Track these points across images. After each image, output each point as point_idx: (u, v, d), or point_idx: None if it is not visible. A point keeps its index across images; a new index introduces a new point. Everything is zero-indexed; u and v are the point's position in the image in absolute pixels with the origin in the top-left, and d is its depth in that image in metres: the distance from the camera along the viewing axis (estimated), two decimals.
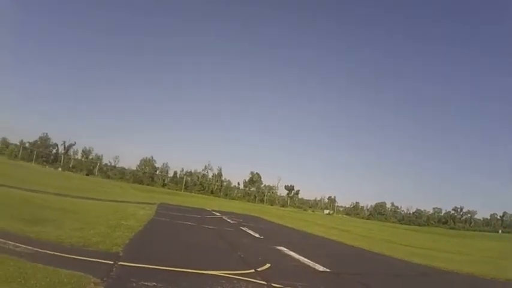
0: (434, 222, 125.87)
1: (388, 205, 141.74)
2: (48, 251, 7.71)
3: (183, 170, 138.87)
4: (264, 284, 7.68)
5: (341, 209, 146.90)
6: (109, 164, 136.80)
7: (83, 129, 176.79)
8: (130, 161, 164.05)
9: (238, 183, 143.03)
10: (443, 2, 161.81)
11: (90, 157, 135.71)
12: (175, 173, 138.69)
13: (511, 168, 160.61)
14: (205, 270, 8.24)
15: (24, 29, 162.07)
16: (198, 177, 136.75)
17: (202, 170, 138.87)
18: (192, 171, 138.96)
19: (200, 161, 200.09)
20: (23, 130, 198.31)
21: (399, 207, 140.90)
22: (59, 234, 9.93)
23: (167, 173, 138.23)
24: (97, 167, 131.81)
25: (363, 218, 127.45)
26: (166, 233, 15.62)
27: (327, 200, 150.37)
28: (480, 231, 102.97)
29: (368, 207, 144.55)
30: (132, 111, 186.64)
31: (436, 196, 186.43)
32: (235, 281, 7.54)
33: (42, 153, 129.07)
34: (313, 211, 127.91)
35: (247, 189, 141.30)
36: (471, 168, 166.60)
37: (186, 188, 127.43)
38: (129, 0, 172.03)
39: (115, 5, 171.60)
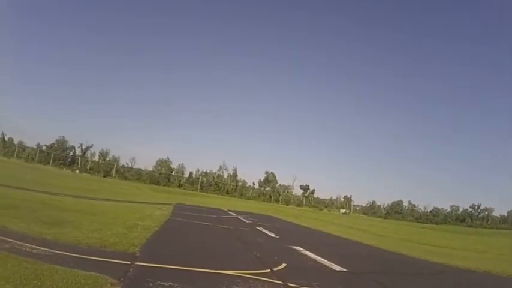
0: (452, 220, 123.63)
1: (405, 204, 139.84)
2: (65, 253, 7.76)
3: (198, 170, 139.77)
4: (280, 284, 7.66)
5: (357, 208, 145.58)
6: (126, 165, 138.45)
7: (100, 131, 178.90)
8: (146, 162, 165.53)
9: (254, 183, 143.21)
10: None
11: (107, 159, 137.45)
12: (191, 173, 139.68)
13: None
14: (222, 270, 8.26)
15: (39, 33, 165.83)
16: (214, 178, 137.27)
17: (218, 170, 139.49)
18: (208, 171, 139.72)
19: (215, 161, 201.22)
20: (39, 133, 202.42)
21: (416, 205, 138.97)
22: (76, 235, 10.05)
23: (183, 173, 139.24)
24: (114, 168, 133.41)
25: (379, 217, 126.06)
26: (182, 233, 15.70)
27: (342, 199, 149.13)
28: (497, 228, 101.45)
29: (385, 206, 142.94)
30: (148, 113, 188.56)
31: (454, 194, 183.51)
32: (251, 281, 7.54)
33: (59, 155, 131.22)
34: (329, 210, 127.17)
35: (262, 189, 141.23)
36: (488, 165, 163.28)
37: (202, 188, 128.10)
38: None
39: (130, 5, 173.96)
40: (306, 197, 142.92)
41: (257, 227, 21.79)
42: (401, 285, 10.23)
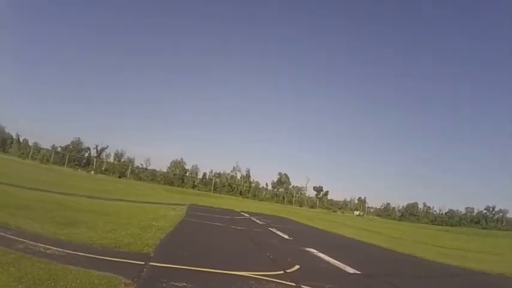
0: (467, 222, 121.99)
1: (421, 205, 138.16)
2: (79, 253, 7.82)
3: (212, 171, 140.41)
4: (293, 286, 7.63)
5: (371, 210, 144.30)
6: (141, 166, 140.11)
7: (115, 132, 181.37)
8: (161, 163, 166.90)
9: (267, 184, 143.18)
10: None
11: (123, 160, 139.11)
12: (204, 174, 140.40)
13: None
14: (235, 270, 8.29)
15: (51, 35, 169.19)
16: (227, 179, 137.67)
17: (231, 171, 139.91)
18: (221, 172, 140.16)
19: (228, 163, 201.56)
20: (54, 135, 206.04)
21: (431, 207, 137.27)
22: (90, 235, 10.15)
23: (197, 174, 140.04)
24: (129, 169, 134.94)
25: (394, 219, 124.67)
26: (196, 234, 15.78)
27: (356, 201, 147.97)
28: None
29: (399, 208, 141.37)
30: (162, 114, 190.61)
31: (469, 196, 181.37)
32: (264, 282, 7.54)
33: (75, 157, 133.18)
34: (342, 212, 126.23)
35: (275, 190, 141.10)
36: (503, 167, 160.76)
37: (215, 189, 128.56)
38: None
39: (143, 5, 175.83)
40: (320, 199, 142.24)
41: (270, 228, 21.77)
42: (415, 287, 10.15)
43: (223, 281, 7.41)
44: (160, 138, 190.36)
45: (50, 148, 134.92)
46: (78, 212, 15.43)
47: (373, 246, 20.61)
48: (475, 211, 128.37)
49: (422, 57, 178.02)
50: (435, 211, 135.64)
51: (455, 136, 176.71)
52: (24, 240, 8.04)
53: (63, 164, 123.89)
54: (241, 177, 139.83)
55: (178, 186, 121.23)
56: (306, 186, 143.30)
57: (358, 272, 10.46)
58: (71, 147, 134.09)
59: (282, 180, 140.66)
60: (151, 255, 8.90)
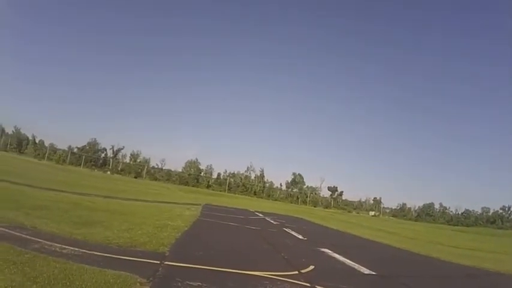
0: (483, 222, 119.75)
1: (437, 206, 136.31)
2: (95, 252, 7.88)
3: (226, 171, 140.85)
4: (307, 286, 7.61)
5: (387, 211, 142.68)
6: (156, 166, 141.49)
7: (131, 133, 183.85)
8: (176, 164, 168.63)
9: (281, 184, 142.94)
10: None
11: (138, 160, 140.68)
12: (218, 174, 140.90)
13: None
14: (249, 270, 8.30)
15: (64, 37, 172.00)
16: (241, 179, 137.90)
17: (245, 171, 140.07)
18: (235, 172, 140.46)
19: (243, 163, 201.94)
20: (71, 136, 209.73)
21: (448, 207, 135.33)
22: (106, 235, 10.27)
23: (211, 174, 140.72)
24: (145, 169, 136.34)
25: (410, 219, 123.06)
26: (210, 234, 15.86)
27: (372, 201, 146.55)
28: None
29: (416, 209, 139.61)
30: (177, 115, 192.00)
31: (485, 195, 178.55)
32: (278, 282, 7.55)
33: (91, 157, 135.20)
34: (357, 213, 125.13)
35: (289, 190, 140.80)
36: None
37: (230, 189, 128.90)
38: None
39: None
40: (334, 199, 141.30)
41: (284, 229, 21.73)
42: None
43: (237, 281, 7.42)
44: (176, 139, 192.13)
45: (66, 149, 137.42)
46: (94, 212, 15.58)
47: (388, 246, 20.42)
48: (491, 211, 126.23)
49: (436, 57, 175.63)
50: (451, 211, 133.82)
51: (472, 136, 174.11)
52: (40, 240, 8.11)
53: (80, 165, 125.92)
54: (255, 177, 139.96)
55: (193, 186, 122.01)
56: (321, 186, 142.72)
57: (373, 273, 10.37)
58: (87, 148, 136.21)
59: (296, 180, 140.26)
60: (167, 254, 8.98)
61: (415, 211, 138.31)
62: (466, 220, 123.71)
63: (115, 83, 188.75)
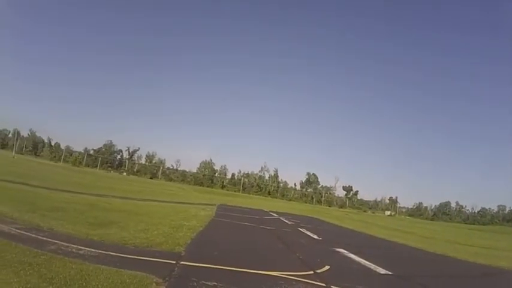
0: (499, 220, 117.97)
1: (453, 204, 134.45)
2: (111, 253, 7.94)
3: (240, 171, 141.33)
4: (323, 286, 7.58)
5: (403, 210, 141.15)
6: (171, 167, 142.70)
7: (147, 134, 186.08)
8: (190, 164, 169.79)
9: (295, 184, 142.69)
10: None
11: (154, 161, 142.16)
12: (233, 174, 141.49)
13: None
14: (264, 270, 8.30)
15: (82, 39, 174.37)
16: (255, 179, 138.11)
17: (259, 172, 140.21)
18: (249, 172, 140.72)
19: (257, 163, 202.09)
20: (87, 139, 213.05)
21: (464, 206, 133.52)
22: (123, 235, 10.37)
23: (225, 174, 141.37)
24: (160, 170, 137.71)
25: (426, 218, 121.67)
26: (225, 233, 15.91)
27: (388, 201, 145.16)
28: None
29: (432, 208, 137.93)
30: (191, 116, 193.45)
31: (501, 193, 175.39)
32: (294, 282, 7.53)
33: (107, 159, 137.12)
34: (373, 212, 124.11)
35: (304, 190, 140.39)
36: None
37: (244, 189, 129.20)
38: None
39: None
40: (349, 199, 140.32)
41: (299, 229, 21.65)
42: None
43: (252, 281, 7.44)
44: (190, 140, 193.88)
45: (82, 151, 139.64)
46: (111, 213, 15.76)
47: (404, 246, 20.20)
48: (507, 209, 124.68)
49: (449, 57, 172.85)
50: (467, 210, 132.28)
51: (488, 134, 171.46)
52: (56, 242, 8.19)
53: (96, 166, 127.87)
54: (269, 177, 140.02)
55: (207, 186, 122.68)
56: (335, 186, 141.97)
57: (390, 273, 10.27)
58: (103, 149, 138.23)
59: (311, 180, 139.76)
60: (183, 254, 9.04)
61: (431, 210, 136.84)
62: (482, 218, 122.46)
63: (130, 85, 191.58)
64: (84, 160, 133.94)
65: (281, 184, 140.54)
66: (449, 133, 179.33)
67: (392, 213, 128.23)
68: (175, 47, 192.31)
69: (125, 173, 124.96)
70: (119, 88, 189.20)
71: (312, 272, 8.83)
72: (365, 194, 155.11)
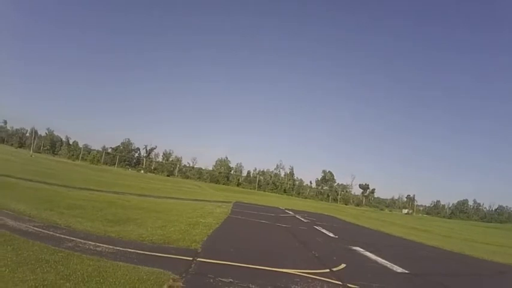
0: None
1: (471, 203, 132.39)
2: (129, 249, 8.05)
3: (256, 169, 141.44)
4: (339, 284, 7.57)
5: (421, 208, 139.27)
6: (188, 165, 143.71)
7: (164, 133, 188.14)
8: (206, 162, 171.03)
9: (311, 182, 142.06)
10: None
11: (171, 159, 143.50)
12: (248, 172, 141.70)
13: None
14: (280, 268, 8.33)
15: (102, 41, 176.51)
16: (271, 176, 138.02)
17: (275, 169, 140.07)
18: (265, 170, 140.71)
19: (272, 161, 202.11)
20: (105, 137, 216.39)
21: (481, 204, 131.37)
22: (140, 232, 10.51)
23: (241, 172, 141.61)
24: (177, 168, 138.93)
25: (444, 217, 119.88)
26: (241, 231, 16.00)
27: (405, 199, 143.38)
28: None
29: (449, 206, 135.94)
30: (207, 114, 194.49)
31: None
32: (310, 280, 7.54)
33: (125, 157, 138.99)
34: (390, 211, 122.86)
35: (319, 188, 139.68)
36: None
37: (260, 187, 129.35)
38: None
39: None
40: (366, 197, 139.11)
41: (315, 226, 21.61)
42: (464, 286, 9.96)
43: (268, 278, 7.45)
44: (206, 138, 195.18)
45: (100, 149, 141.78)
46: (128, 210, 15.98)
47: (421, 244, 20.03)
48: None
49: (470, 56, 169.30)
50: (485, 208, 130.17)
51: (505, 133, 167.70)
52: (74, 239, 8.33)
53: (114, 164, 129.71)
54: (285, 175, 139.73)
55: (223, 184, 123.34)
56: (352, 184, 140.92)
57: (406, 271, 10.20)
58: (121, 148, 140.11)
59: (327, 178, 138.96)
60: (199, 251, 9.13)
61: (449, 208, 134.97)
62: (500, 217, 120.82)
63: (147, 84, 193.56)
64: (102, 158, 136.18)
65: (297, 182, 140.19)
66: (467, 131, 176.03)
67: (410, 212, 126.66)
68: (194, 45, 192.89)
69: (142, 171, 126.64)
70: (137, 87, 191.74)
71: (328, 270, 8.82)
72: (382, 193, 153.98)
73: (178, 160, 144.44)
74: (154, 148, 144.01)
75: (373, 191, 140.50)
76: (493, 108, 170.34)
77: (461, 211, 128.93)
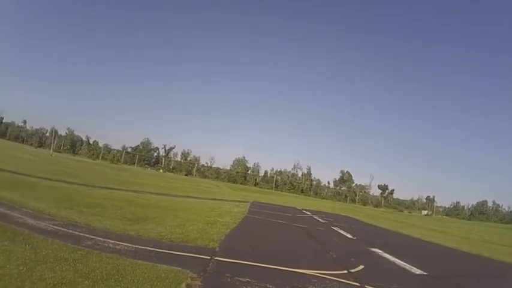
0: None
1: (490, 204, 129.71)
2: (148, 248, 8.16)
3: (273, 169, 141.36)
4: (357, 286, 7.54)
5: (440, 210, 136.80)
6: (206, 164, 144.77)
7: (182, 132, 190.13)
8: (224, 161, 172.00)
9: (328, 182, 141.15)
10: None
11: (189, 159, 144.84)
12: (265, 172, 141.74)
13: None
14: (297, 268, 8.33)
15: (122, 42, 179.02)
16: (288, 176, 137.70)
17: (292, 169, 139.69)
18: (282, 170, 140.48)
19: (289, 161, 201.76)
20: (125, 137, 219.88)
21: (500, 205, 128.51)
22: (159, 231, 10.65)
23: (258, 172, 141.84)
24: (195, 167, 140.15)
25: (463, 218, 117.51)
26: (258, 230, 16.07)
27: (424, 200, 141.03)
28: None
29: (469, 207, 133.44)
30: (225, 114, 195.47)
31: None
32: (327, 281, 7.52)
33: (144, 156, 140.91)
34: (409, 212, 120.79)
35: (337, 188, 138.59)
36: None
37: (277, 187, 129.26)
38: None
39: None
40: (385, 198, 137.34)
41: (333, 227, 21.49)
42: None
43: (286, 278, 7.46)
44: (224, 137, 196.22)
45: (120, 149, 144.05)
46: (148, 209, 16.20)
47: (440, 246, 19.73)
48: None
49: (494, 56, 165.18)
50: (504, 209, 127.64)
51: None
52: (93, 237, 8.46)
53: (133, 164, 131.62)
54: (302, 175, 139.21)
55: (240, 183, 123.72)
56: (370, 185, 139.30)
57: (425, 273, 10.07)
58: (140, 147, 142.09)
59: (345, 178, 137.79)
60: (217, 250, 9.22)
61: (468, 210, 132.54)
62: None
63: (166, 84, 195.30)
64: (122, 157, 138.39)
65: (314, 182, 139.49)
66: (486, 132, 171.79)
67: (429, 213, 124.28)
68: (217, 45, 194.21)
69: (161, 170, 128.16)
70: (157, 87, 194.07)
71: (345, 271, 8.78)
72: (401, 193, 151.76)
73: (196, 160, 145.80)
74: (173, 148, 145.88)
75: (392, 192, 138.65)
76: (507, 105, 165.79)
77: (480, 212, 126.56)
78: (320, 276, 7.80)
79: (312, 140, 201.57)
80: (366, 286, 7.56)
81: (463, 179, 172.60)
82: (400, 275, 9.61)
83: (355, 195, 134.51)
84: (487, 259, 15.95)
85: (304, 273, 7.96)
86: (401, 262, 11.34)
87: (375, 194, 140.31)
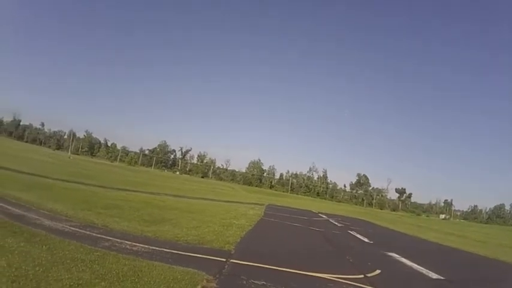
0: None
1: (507, 207, 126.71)
2: (164, 249, 8.24)
3: (288, 172, 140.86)
4: None
5: (458, 213, 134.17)
6: (221, 166, 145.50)
7: (199, 135, 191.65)
8: (240, 164, 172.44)
9: (345, 186, 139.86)
10: None
11: (205, 161, 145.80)
12: (281, 175, 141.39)
13: None
14: (313, 272, 8.29)
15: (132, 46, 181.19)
16: (304, 179, 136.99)
17: (308, 172, 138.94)
18: (298, 173, 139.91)
19: (305, 163, 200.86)
20: (143, 139, 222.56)
21: None
22: (175, 232, 10.76)
23: (274, 174, 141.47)
24: (211, 170, 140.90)
25: (480, 222, 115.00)
26: (274, 233, 16.05)
27: (442, 204, 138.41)
28: None
29: (487, 211, 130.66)
30: (241, 116, 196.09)
31: None
32: (344, 286, 7.48)
33: (161, 158, 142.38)
34: (427, 216, 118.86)
35: (354, 191, 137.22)
36: None
37: (292, 190, 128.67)
38: None
39: None
40: (402, 201, 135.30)
41: (349, 231, 21.31)
42: None
43: (301, 282, 7.47)
44: (239, 140, 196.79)
45: (137, 151, 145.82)
46: (164, 210, 16.39)
47: (458, 250, 19.43)
48: None
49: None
50: None
51: None
52: (110, 238, 8.58)
53: (151, 166, 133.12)
54: (318, 178, 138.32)
55: (256, 186, 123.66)
56: (387, 188, 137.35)
57: (442, 278, 9.91)
58: (158, 149, 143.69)
59: (361, 182, 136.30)
60: (232, 252, 9.27)
61: (486, 213, 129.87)
62: None
63: (184, 87, 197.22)
64: (140, 160, 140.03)
65: (330, 185, 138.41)
66: (505, 136, 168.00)
67: (447, 217, 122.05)
68: (233, 46, 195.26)
69: (178, 172, 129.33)
70: (174, 90, 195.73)
71: (362, 276, 8.71)
72: (419, 197, 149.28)
73: (212, 162, 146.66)
74: (190, 150, 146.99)
75: (409, 196, 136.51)
76: None
77: (498, 216, 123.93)
78: (336, 281, 7.76)
79: (328, 143, 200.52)
80: None
81: (481, 183, 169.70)
82: (417, 280, 9.49)
83: (372, 199, 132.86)
84: (503, 263, 15.68)
85: (320, 277, 7.92)
86: (418, 266, 11.18)
87: (392, 198, 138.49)
